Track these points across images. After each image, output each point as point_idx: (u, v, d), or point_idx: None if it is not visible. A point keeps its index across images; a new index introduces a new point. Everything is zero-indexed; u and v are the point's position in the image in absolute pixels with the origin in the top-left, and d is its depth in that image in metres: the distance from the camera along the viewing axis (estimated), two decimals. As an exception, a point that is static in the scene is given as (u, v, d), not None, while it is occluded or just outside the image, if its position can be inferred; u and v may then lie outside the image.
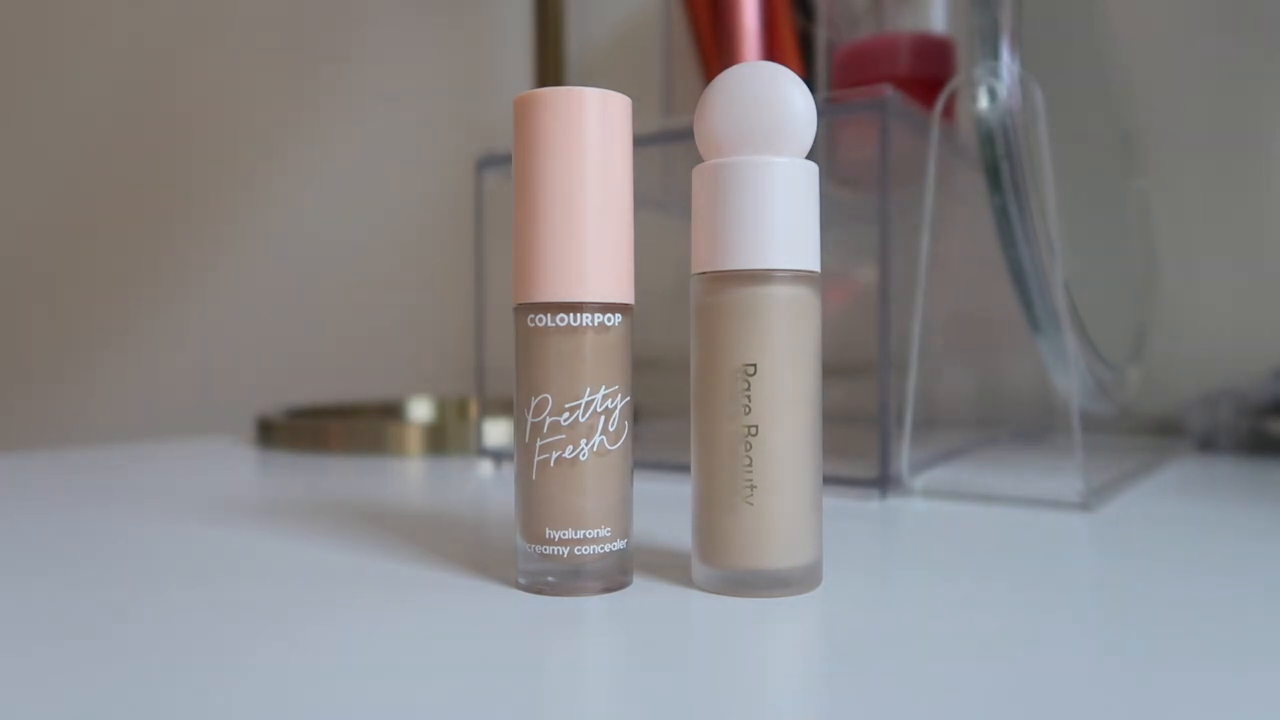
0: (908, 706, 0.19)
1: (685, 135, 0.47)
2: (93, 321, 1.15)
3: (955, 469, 0.49)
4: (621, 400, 0.27)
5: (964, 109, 0.52)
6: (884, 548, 0.35)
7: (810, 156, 0.27)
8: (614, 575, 0.27)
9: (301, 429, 0.64)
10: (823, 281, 0.28)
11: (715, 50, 0.59)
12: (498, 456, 0.56)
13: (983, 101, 0.41)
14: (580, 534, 0.27)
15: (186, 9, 1.08)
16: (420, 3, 0.95)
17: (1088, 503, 0.39)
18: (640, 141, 0.40)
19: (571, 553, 0.27)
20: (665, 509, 0.39)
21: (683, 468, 0.48)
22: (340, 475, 0.52)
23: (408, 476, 0.52)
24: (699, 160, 0.28)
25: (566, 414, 0.27)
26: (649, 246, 0.40)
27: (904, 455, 0.43)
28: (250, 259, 1.05)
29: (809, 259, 0.27)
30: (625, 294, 0.28)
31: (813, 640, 0.24)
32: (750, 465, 0.26)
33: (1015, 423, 0.65)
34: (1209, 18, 0.65)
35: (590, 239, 0.27)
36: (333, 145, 1.00)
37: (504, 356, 0.36)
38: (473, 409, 0.75)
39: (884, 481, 0.43)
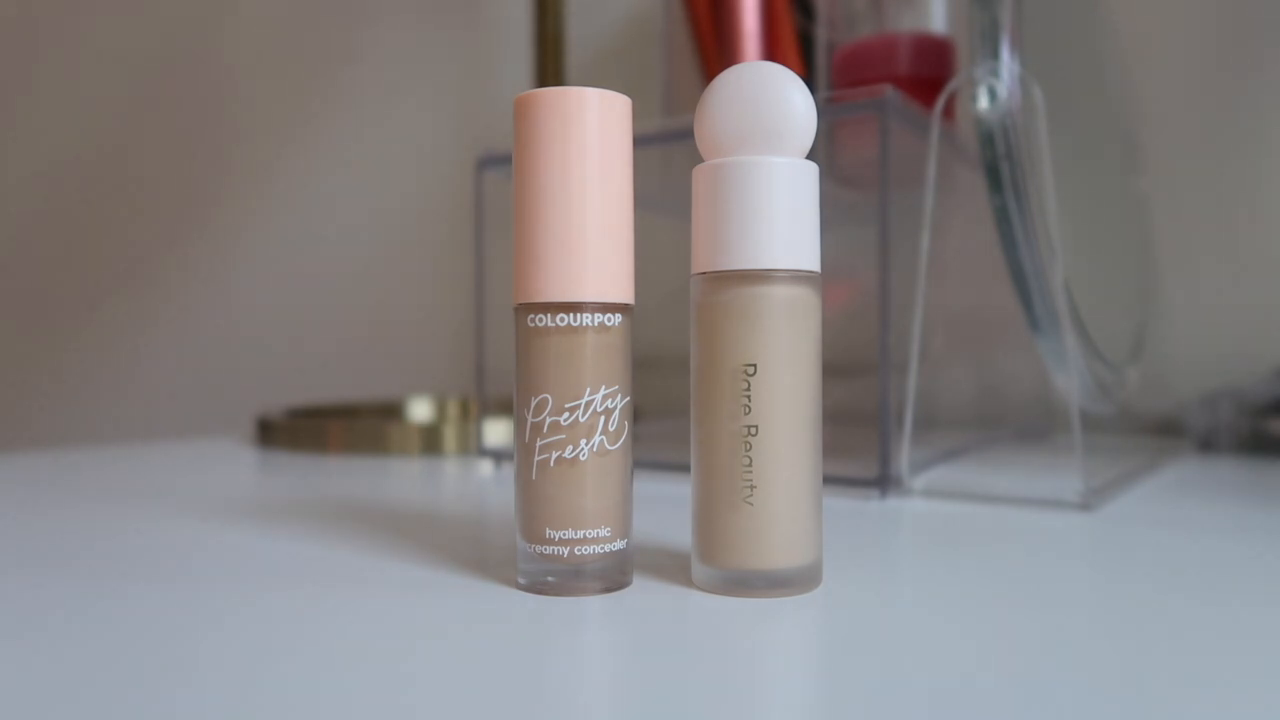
0: (907, 707, 0.19)
1: (685, 135, 0.47)
2: (93, 321, 1.15)
3: (955, 469, 0.49)
4: (621, 400, 0.27)
5: (964, 109, 0.52)
6: (884, 548, 0.35)
7: (810, 156, 0.27)
8: (614, 575, 0.27)
9: (301, 429, 0.64)
10: (823, 281, 0.28)
11: (715, 50, 0.59)
12: (498, 456, 0.56)
13: (983, 101, 0.41)
14: (580, 534, 0.27)
15: (187, 9, 1.08)
16: (420, 3, 0.95)
17: (1088, 503, 0.39)
18: (640, 141, 0.40)
19: (571, 553, 0.27)
20: (665, 509, 0.39)
21: (683, 468, 0.48)
22: (340, 475, 0.52)
23: (408, 476, 0.52)
24: (699, 160, 0.28)
25: (566, 414, 0.27)
26: (649, 246, 0.40)
27: (904, 455, 0.43)
28: (250, 259, 1.05)
29: (809, 259, 0.27)
30: (625, 294, 0.28)
31: (813, 640, 0.24)
32: (750, 465, 0.26)
33: (1015, 423, 0.65)
34: (1208, 18, 0.65)
35: (590, 239, 0.27)
36: (333, 145, 1.00)
37: (504, 356, 0.36)
38: (473, 409, 0.75)
39: (884, 481, 0.43)
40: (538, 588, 0.27)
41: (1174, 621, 0.25)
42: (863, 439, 0.53)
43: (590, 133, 0.27)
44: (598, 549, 0.27)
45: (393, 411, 0.75)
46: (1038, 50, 0.43)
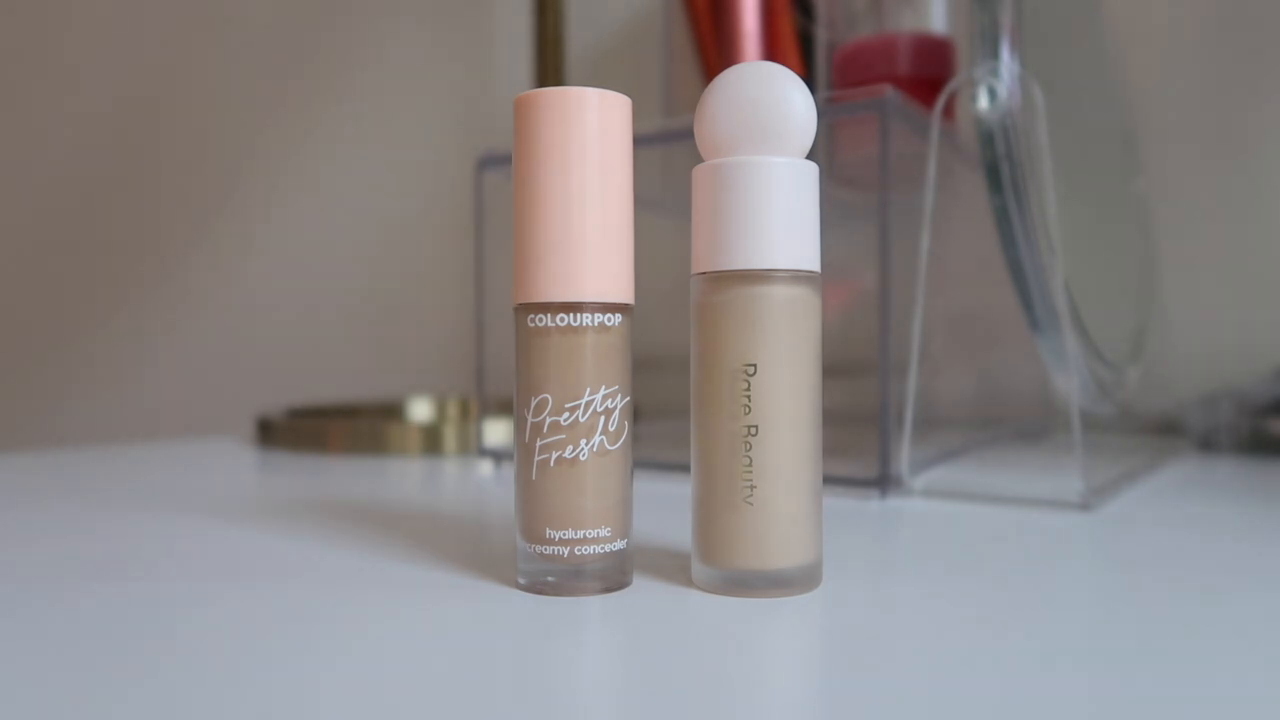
0: (907, 707, 0.19)
1: (685, 135, 0.47)
2: (93, 321, 1.15)
3: (955, 469, 0.49)
4: (621, 400, 0.27)
5: (964, 109, 0.52)
6: (884, 548, 0.35)
7: (810, 156, 0.27)
8: (614, 575, 0.27)
9: (301, 429, 0.64)
10: (823, 281, 0.28)
11: (715, 50, 0.59)
12: (498, 456, 0.56)
13: (983, 101, 0.41)
14: (580, 534, 0.27)
15: (187, 8, 1.08)
16: (421, 4, 0.95)
17: (1088, 503, 0.39)
18: (640, 141, 0.40)
19: (571, 553, 0.27)
20: (665, 509, 0.39)
21: (683, 468, 0.48)
22: (340, 475, 0.52)
23: (408, 476, 0.52)
24: (699, 160, 0.28)
25: (566, 414, 0.27)
26: (649, 246, 0.40)
27: (904, 455, 0.43)
28: (250, 259, 1.05)
29: (809, 259, 0.27)
30: (625, 294, 0.28)
31: (813, 640, 0.24)
32: (750, 465, 0.26)
33: (1015, 423, 0.65)
34: (1208, 18, 0.65)
35: (590, 239, 0.27)
36: (333, 145, 1.00)
37: (504, 356, 0.36)
38: (473, 409, 0.75)
39: (884, 481, 0.43)
40: (538, 588, 0.27)
41: (1174, 622, 0.25)
42: (863, 439, 0.53)
43: (590, 133, 0.27)
44: (598, 549, 0.27)
45: (393, 411, 0.75)
46: (1038, 50, 0.43)
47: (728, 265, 0.26)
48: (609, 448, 0.27)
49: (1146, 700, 0.19)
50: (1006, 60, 0.41)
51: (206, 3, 1.07)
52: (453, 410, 0.77)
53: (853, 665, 0.22)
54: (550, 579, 0.27)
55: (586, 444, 0.27)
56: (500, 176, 0.54)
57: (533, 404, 0.27)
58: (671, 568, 0.30)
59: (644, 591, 0.27)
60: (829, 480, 0.42)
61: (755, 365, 0.26)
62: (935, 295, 0.46)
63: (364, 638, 0.24)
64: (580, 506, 0.27)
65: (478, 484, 0.50)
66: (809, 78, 0.58)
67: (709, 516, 0.27)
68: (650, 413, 0.74)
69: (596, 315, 0.27)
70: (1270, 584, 0.29)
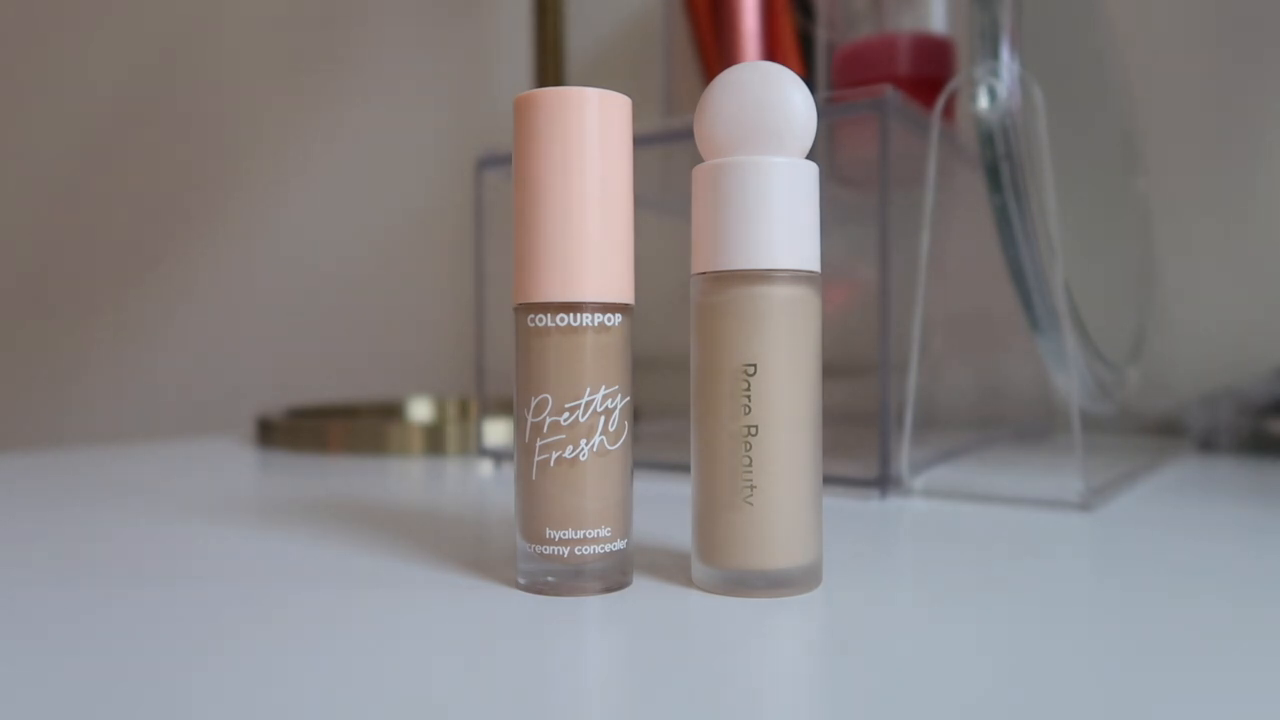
0: (907, 707, 0.19)
1: (685, 135, 0.47)
2: (92, 321, 1.15)
3: (955, 469, 0.49)
4: (621, 400, 0.27)
5: (964, 109, 0.52)
6: (884, 548, 0.35)
7: (810, 156, 0.27)
8: (614, 575, 0.27)
9: (301, 429, 0.64)
10: (823, 281, 0.28)
11: (715, 50, 0.59)
12: (498, 456, 0.56)
13: (983, 101, 0.41)
14: (580, 534, 0.27)
15: (186, 9, 1.08)
16: (420, 3, 0.95)
17: (1088, 503, 0.39)
18: (640, 141, 0.40)
19: (571, 553, 0.27)
20: (665, 509, 0.39)
21: (683, 468, 0.48)
22: (340, 475, 0.52)
23: (408, 476, 0.52)
24: (699, 160, 0.28)
25: (566, 414, 0.27)
26: (649, 246, 0.40)
27: (904, 455, 0.43)
28: (250, 259, 1.05)
29: (809, 259, 0.27)
30: (625, 294, 0.28)
31: (813, 640, 0.24)
32: (750, 465, 0.26)
33: (1015, 423, 0.65)
34: (1208, 17, 0.65)
35: (590, 239, 0.27)
36: (333, 145, 1.00)
37: (504, 356, 0.36)
38: (473, 409, 0.75)
39: (884, 481, 0.43)
40: (538, 588, 0.27)
41: (1174, 622, 0.25)
42: (863, 439, 0.53)
43: (590, 133, 0.27)
44: (598, 549, 0.27)
45: (393, 411, 0.75)
46: (1038, 50, 0.43)
47: (728, 265, 0.26)
48: (609, 448, 0.27)
49: (1146, 701, 0.19)
50: (1006, 60, 0.41)
51: (206, 2, 1.07)
52: (453, 410, 0.77)
53: (853, 665, 0.22)
54: (550, 579, 0.27)
55: (586, 444, 0.27)
56: (500, 176, 0.54)
57: (533, 404, 0.27)
58: (671, 568, 0.30)
59: (644, 591, 0.27)
60: (829, 480, 0.42)
61: (755, 365, 0.26)
62: (935, 295, 0.46)
63: (363, 637, 0.24)
64: (580, 506, 0.27)
65: (478, 484, 0.50)
66: (809, 78, 0.58)
67: (709, 516, 0.27)
68: (650, 413, 0.74)
69: (596, 315, 0.27)
70: (1270, 585, 0.29)
